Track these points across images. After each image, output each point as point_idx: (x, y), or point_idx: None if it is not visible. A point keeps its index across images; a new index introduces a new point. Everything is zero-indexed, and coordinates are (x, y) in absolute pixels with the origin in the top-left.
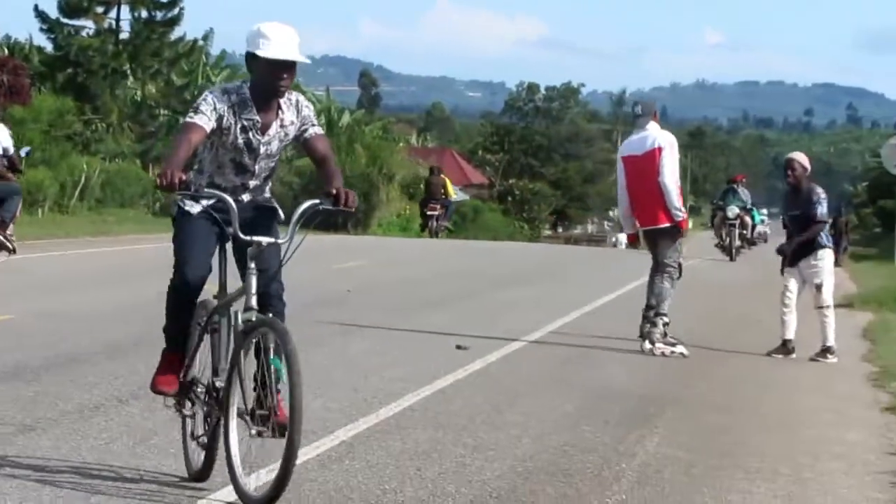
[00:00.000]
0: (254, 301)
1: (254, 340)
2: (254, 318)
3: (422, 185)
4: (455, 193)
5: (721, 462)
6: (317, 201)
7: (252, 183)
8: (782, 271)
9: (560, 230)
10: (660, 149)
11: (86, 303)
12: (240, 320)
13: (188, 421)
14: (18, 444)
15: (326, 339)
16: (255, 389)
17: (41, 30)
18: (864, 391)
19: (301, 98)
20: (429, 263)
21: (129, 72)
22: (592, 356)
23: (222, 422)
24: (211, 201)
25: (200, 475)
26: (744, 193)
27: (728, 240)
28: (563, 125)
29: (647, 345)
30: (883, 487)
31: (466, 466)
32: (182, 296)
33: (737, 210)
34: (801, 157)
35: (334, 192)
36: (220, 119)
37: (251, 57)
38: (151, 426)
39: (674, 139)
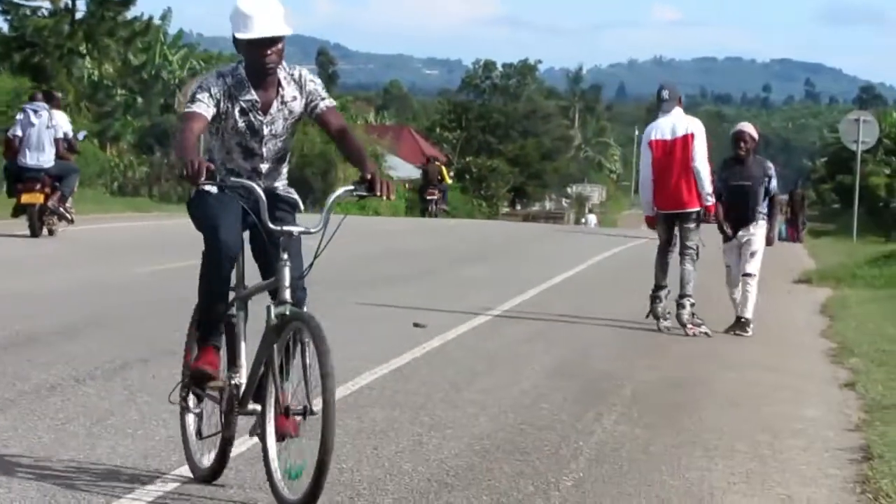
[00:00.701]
0: (287, 294)
1: (287, 336)
2: (287, 313)
3: (420, 174)
4: (450, 179)
5: (679, 440)
6: (351, 188)
7: (263, 167)
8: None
9: (518, 207)
10: (692, 135)
11: (44, 283)
12: (272, 315)
13: (192, 419)
14: None
15: None
16: (281, 385)
17: None
18: (823, 367)
19: (304, 72)
20: (386, 241)
21: (85, 52)
22: (550, 334)
23: (258, 421)
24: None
25: (212, 474)
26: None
27: None
28: (521, 102)
29: (665, 323)
30: (841, 464)
31: (423, 445)
32: (220, 261)
33: None
34: (751, 129)
35: (369, 177)
36: (217, 104)
37: (236, 40)
38: (108, 406)
39: (702, 125)
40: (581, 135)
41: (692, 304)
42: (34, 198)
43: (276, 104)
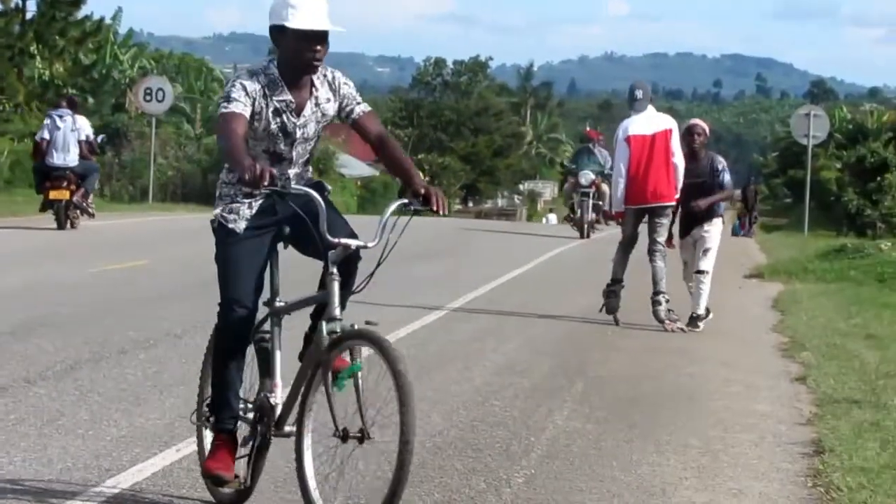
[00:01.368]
0: (338, 311)
1: (347, 352)
2: (339, 330)
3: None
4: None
5: (631, 434)
6: (405, 201)
7: (291, 172)
8: (671, 243)
9: (470, 205)
10: (670, 130)
11: None
12: (324, 331)
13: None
14: None
15: None
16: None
17: None
18: (774, 362)
19: (338, 74)
20: None
21: (35, 52)
22: (502, 330)
23: (295, 445)
24: (253, 209)
25: (238, 498)
26: (601, 155)
27: (580, 212)
28: (472, 99)
29: (616, 316)
30: (793, 458)
31: (375, 442)
32: (231, 333)
33: (592, 176)
34: (703, 124)
35: (423, 191)
36: (253, 103)
37: (278, 30)
38: (59, 407)
39: (676, 123)
40: (533, 131)
41: (667, 301)
42: (61, 194)
43: (309, 105)
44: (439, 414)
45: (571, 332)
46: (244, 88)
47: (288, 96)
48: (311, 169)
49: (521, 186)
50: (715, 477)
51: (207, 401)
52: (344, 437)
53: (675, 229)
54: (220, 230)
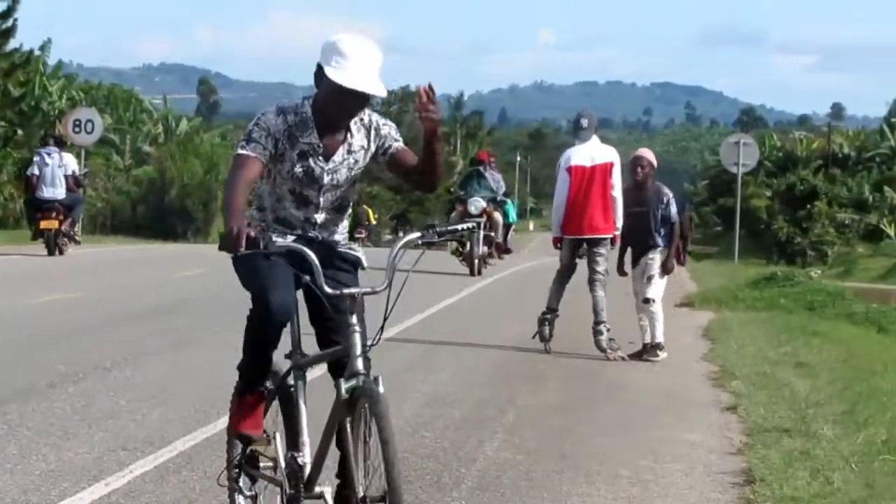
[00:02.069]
0: (359, 364)
1: (361, 414)
2: (361, 384)
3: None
4: (374, 220)
5: (561, 465)
6: (418, 234)
7: (319, 217)
8: (621, 270)
9: (401, 234)
10: (612, 163)
11: None
12: (343, 389)
13: (244, 502)
14: None
15: (164, 348)
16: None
17: None
18: (705, 391)
19: (377, 118)
20: None
21: None
22: (433, 360)
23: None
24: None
25: None
26: (493, 179)
27: (469, 245)
28: (402, 128)
29: (548, 345)
30: (724, 488)
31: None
32: (267, 326)
33: (482, 204)
34: (650, 155)
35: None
36: (275, 144)
37: (321, 72)
38: None
39: (618, 155)
40: (463, 161)
41: (608, 330)
42: (51, 224)
43: (341, 151)
44: (369, 445)
45: (503, 362)
46: (266, 129)
47: (316, 139)
48: (346, 217)
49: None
50: None
51: (236, 461)
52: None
53: (628, 257)
54: (241, 257)
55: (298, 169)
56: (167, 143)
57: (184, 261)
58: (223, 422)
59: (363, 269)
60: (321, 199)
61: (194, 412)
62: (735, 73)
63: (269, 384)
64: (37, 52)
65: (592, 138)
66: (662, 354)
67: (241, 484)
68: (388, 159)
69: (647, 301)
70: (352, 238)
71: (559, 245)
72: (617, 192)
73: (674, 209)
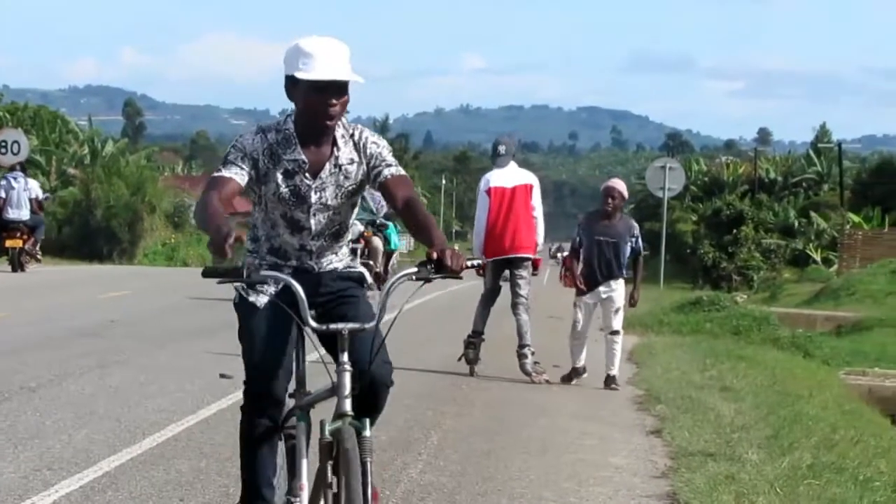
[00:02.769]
0: (347, 405)
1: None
2: (346, 425)
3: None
4: (394, 263)
5: (485, 487)
6: (413, 270)
7: (313, 244)
8: (581, 290)
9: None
10: (531, 185)
11: None
12: (326, 430)
13: None
14: None
15: (90, 369)
16: None
17: None
18: (629, 415)
19: (367, 132)
20: (193, 292)
21: None
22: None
23: None
24: (277, 286)
25: None
26: (372, 199)
27: None
28: None
29: (474, 368)
30: None
31: (230, 497)
32: (258, 412)
33: (360, 228)
34: (621, 186)
35: (435, 255)
36: (254, 165)
37: (291, 81)
38: None
39: (537, 179)
40: None
41: (532, 353)
42: (15, 242)
43: (328, 166)
44: None
45: (427, 385)
46: (242, 149)
47: (301, 155)
48: (345, 246)
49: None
50: None
51: None
52: None
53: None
54: (241, 304)
55: (285, 189)
56: (93, 164)
57: (109, 281)
58: (149, 442)
59: (367, 286)
60: (312, 222)
61: (119, 432)
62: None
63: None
64: None
65: (510, 163)
66: (617, 386)
67: None
68: (379, 187)
69: (614, 333)
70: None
71: (482, 272)
72: (538, 213)
73: (641, 243)
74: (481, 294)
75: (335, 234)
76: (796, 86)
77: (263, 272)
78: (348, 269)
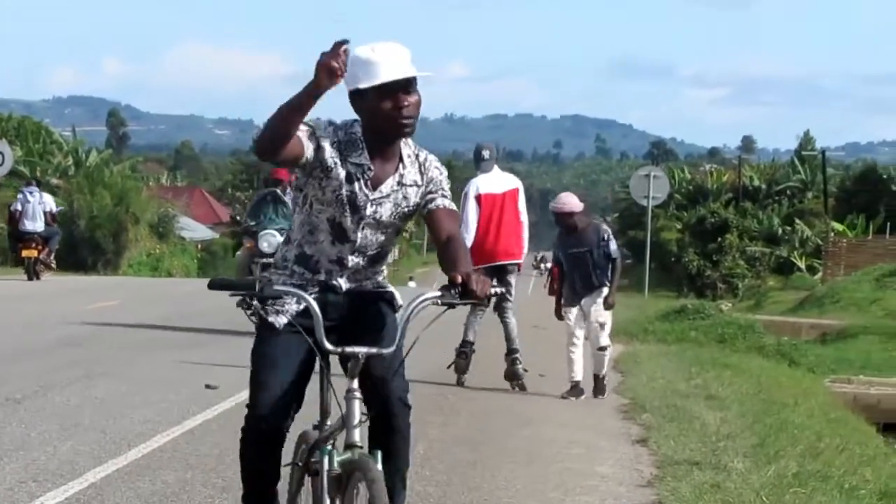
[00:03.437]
0: (355, 436)
1: (353, 493)
2: (356, 457)
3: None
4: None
5: (471, 497)
6: (437, 294)
7: (351, 260)
8: (559, 314)
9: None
10: (517, 189)
11: None
12: (335, 462)
13: None
14: None
15: (75, 379)
16: None
17: None
18: (615, 423)
19: (431, 156)
20: (179, 303)
21: None
22: (338, 392)
23: None
24: (300, 304)
25: None
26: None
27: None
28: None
29: (462, 378)
30: None
31: None
32: (255, 443)
33: (279, 239)
34: (568, 203)
35: (460, 279)
36: (318, 150)
37: (357, 95)
38: None
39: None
40: None
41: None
42: (31, 252)
43: (391, 181)
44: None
45: (413, 394)
46: (310, 128)
47: (367, 160)
48: (383, 272)
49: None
50: None
51: None
52: None
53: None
54: (261, 326)
55: (344, 191)
56: (77, 175)
57: (94, 292)
58: (134, 453)
59: (397, 307)
60: (359, 236)
61: (105, 444)
62: (645, 106)
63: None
64: None
65: (495, 168)
66: (604, 396)
67: None
68: (427, 214)
69: (602, 349)
70: None
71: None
72: (525, 217)
73: (613, 245)
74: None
75: (376, 256)
76: (779, 93)
77: (277, 287)
78: (378, 289)
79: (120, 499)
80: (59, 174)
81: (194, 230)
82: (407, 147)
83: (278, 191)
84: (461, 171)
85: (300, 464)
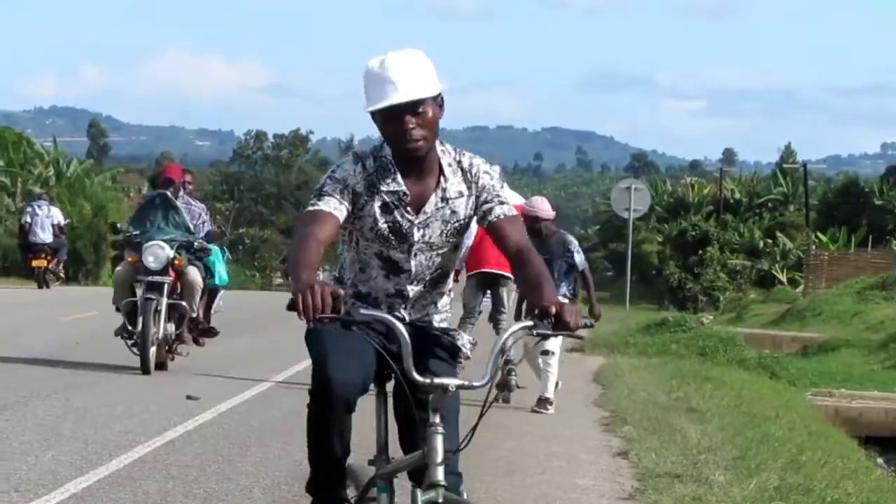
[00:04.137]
0: (439, 474)
1: None
2: (441, 501)
3: None
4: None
5: None
6: (528, 324)
7: (411, 290)
8: (519, 319)
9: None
10: (519, 207)
11: None
12: (420, 501)
13: None
14: None
15: (55, 390)
16: None
17: None
18: (596, 436)
19: (477, 159)
20: None
21: None
22: None
23: None
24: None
25: None
26: (189, 211)
27: (142, 321)
28: (293, 173)
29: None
30: None
31: None
32: (325, 406)
33: (167, 252)
34: (537, 208)
35: (554, 311)
36: (354, 198)
37: (371, 114)
38: None
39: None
40: None
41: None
42: (40, 262)
43: (433, 200)
44: (261, 489)
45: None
46: (342, 180)
47: (401, 186)
48: (447, 295)
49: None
50: None
51: None
52: None
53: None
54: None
55: (384, 225)
56: (58, 185)
57: (73, 303)
58: (115, 464)
59: (462, 360)
60: (412, 264)
61: (86, 454)
62: (626, 119)
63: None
64: None
65: (504, 186)
66: (551, 409)
67: None
68: (488, 227)
69: (546, 353)
70: None
71: (456, 278)
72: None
73: (580, 257)
74: (460, 317)
75: (436, 279)
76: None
77: (364, 311)
78: (443, 333)
79: None
80: (41, 185)
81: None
82: (446, 155)
83: (169, 193)
84: None
85: (350, 502)
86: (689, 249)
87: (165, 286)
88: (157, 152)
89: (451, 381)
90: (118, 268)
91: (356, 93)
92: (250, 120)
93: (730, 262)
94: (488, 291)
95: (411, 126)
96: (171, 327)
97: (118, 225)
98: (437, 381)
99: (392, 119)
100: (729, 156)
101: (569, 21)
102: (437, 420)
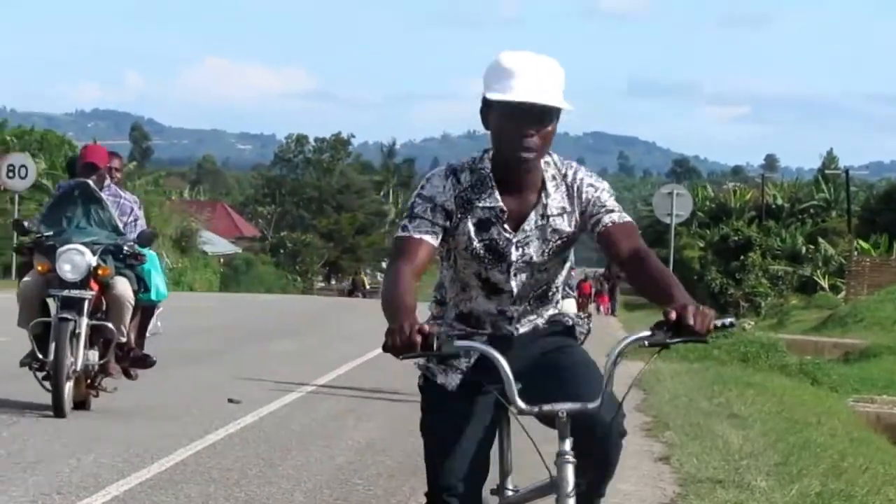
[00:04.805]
0: None
1: None
2: None
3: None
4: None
5: None
6: (646, 334)
7: (514, 310)
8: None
9: (333, 282)
10: None
11: None
12: None
13: None
14: None
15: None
16: None
17: None
18: (638, 441)
19: (582, 172)
20: (200, 317)
21: None
22: (363, 409)
23: None
24: (470, 358)
25: None
26: (118, 205)
27: (55, 347)
28: (334, 176)
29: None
30: None
31: None
32: None
33: (89, 258)
34: None
35: (674, 316)
36: (448, 217)
37: (485, 104)
38: None
39: None
40: (395, 209)
41: None
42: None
43: (533, 216)
44: (302, 492)
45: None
46: (431, 198)
47: (498, 202)
48: (553, 307)
49: (383, 264)
50: None
51: None
52: None
53: None
54: (427, 388)
55: (478, 244)
56: None
57: None
58: (157, 467)
59: (579, 337)
60: (513, 284)
61: (128, 457)
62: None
63: None
64: None
65: None
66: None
67: None
68: (597, 237)
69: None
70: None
71: None
72: None
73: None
74: None
75: (541, 296)
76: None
77: (458, 343)
78: (553, 320)
79: None
80: None
81: (216, 244)
82: (550, 167)
83: (91, 182)
84: None
85: None
86: (730, 255)
87: (86, 303)
88: (198, 155)
89: (562, 407)
90: (25, 279)
91: (401, 99)
92: (292, 124)
93: (771, 267)
94: None
95: (531, 132)
96: (94, 355)
97: (25, 223)
98: (545, 408)
99: (514, 118)
100: (771, 161)
101: (611, 29)
102: (567, 448)
